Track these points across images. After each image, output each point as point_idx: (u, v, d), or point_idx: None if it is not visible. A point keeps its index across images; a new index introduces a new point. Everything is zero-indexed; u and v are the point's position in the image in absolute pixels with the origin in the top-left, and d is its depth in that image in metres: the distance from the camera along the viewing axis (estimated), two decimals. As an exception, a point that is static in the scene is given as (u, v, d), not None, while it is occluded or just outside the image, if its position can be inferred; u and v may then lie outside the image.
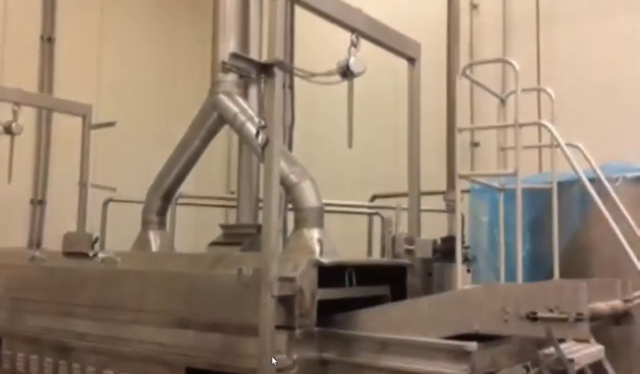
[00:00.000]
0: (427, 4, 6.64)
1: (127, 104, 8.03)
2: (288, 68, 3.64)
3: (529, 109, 5.49)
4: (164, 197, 5.10)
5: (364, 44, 3.73)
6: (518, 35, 6.38)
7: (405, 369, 2.91)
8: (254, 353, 3.06)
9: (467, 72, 3.77)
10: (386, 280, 3.86)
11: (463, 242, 4.26)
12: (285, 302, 3.13)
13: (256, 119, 4.24)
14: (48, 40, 7.55)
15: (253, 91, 4.97)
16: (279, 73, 3.22)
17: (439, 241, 4.06)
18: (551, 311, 2.61)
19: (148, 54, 8.65)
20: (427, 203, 4.82)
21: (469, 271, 4.64)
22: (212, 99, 4.78)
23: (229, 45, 4.82)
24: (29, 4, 7.48)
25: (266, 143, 3.16)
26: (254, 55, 5.03)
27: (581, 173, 3.38)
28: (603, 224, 3.43)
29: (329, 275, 3.39)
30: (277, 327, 3.05)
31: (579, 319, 2.57)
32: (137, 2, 8.64)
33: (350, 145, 3.64)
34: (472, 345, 2.76)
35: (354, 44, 3.59)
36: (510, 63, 3.63)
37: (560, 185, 3.96)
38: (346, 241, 4.75)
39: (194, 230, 7.45)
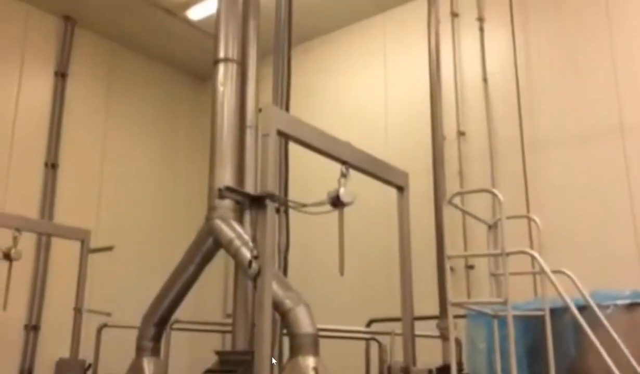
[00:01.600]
0: (415, 131, 6.91)
1: (125, 229, 8.17)
2: (279, 200, 3.77)
3: (520, 234, 5.60)
4: (158, 323, 5.07)
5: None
6: (505, 161, 6.55)
7: None
8: None
9: (456, 199, 3.87)
10: (382, 410, 3.78)
11: (461, 370, 4.20)
12: None
13: (250, 245, 4.33)
14: (52, 166, 7.79)
15: (249, 216, 5.08)
16: (270, 205, 3.33)
17: (435, 372, 4.00)
18: None
19: (148, 180, 8.90)
20: (423, 327, 4.79)
21: (469, 399, 4.53)
22: (208, 224, 4.88)
23: (225, 172, 4.99)
24: (36, 131, 7.79)
25: (258, 273, 3.22)
26: (250, 179, 5.22)
27: (569, 302, 3.40)
28: (597, 352, 3.40)
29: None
30: None
31: None
32: (140, 129, 8.99)
33: (342, 273, 3.69)
34: None
35: (343, 175, 3.73)
36: (493, 194, 3.75)
37: (553, 311, 3.95)
38: (344, 368, 4.68)
39: (189, 355, 7.33)
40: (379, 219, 6.81)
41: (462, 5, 7.28)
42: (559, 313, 3.98)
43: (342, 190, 3.66)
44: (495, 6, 7.05)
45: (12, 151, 7.48)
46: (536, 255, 3.57)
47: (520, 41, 6.78)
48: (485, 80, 6.90)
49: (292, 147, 5.00)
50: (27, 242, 6.83)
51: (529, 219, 4.57)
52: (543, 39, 6.67)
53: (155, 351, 5.05)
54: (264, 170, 3.40)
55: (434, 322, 4.96)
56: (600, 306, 3.78)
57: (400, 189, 4.39)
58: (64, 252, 7.18)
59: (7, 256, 5.95)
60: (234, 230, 4.76)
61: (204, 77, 9.59)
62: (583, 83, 6.32)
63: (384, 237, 6.53)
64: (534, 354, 4.26)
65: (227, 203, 4.87)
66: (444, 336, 4.26)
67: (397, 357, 4.22)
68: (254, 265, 3.26)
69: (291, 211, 5.13)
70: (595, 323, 3.56)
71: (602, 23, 6.32)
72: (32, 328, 7.15)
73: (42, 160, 7.77)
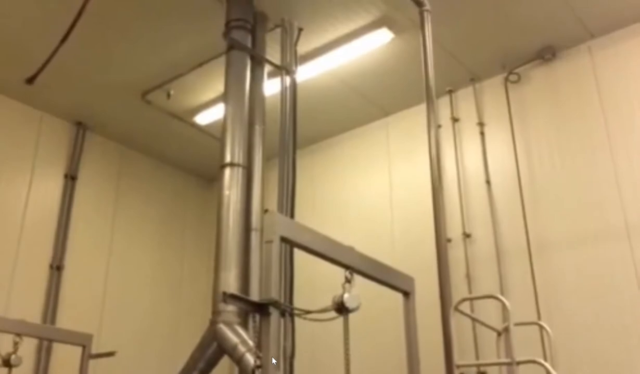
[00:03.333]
0: (420, 232, 6.91)
1: (128, 332, 8.05)
2: (283, 308, 3.72)
3: (531, 339, 5.46)
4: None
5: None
6: (513, 264, 6.47)
7: None
8: None
9: (463, 305, 3.81)
10: None
11: None
12: None
13: (254, 351, 4.25)
14: (57, 268, 7.78)
15: (252, 322, 5.02)
16: (274, 312, 3.29)
17: None
18: None
19: (153, 283, 8.85)
20: None
21: None
22: (212, 328, 4.81)
23: (230, 275, 4.98)
24: (43, 233, 7.83)
25: (262, 383, 3.13)
26: (255, 282, 5.19)
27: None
28: None
29: None
30: None
31: None
32: (146, 231, 9.03)
33: (348, 380, 3.57)
34: None
35: (348, 280, 3.69)
36: (499, 300, 3.70)
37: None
38: None
39: None
40: (386, 322, 6.69)
41: (463, 111, 7.48)
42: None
43: (346, 296, 3.60)
44: (494, 110, 7.24)
45: (19, 252, 7.50)
46: (547, 365, 3.47)
47: (520, 143, 6.91)
48: (488, 182, 6.97)
49: (297, 251, 5.01)
50: (28, 347, 6.72)
51: (538, 325, 4.47)
52: (543, 139, 6.78)
53: None
54: (268, 277, 3.38)
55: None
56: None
57: (406, 294, 4.34)
58: (65, 356, 7.05)
59: (7, 363, 5.83)
60: (238, 335, 4.69)
61: (211, 178, 9.75)
62: (584, 182, 6.37)
63: (391, 341, 6.39)
64: None
65: (231, 308, 4.83)
66: None
67: None
68: (257, 374, 3.18)
69: (297, 318, 5.06)
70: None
71: (599, 119, 6.46)
72: None
73: (47, 262, 7.76)
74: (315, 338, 6.42)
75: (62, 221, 8.01)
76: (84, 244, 8.19)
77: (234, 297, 3.50)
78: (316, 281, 5.44)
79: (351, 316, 3.69)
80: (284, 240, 3.58)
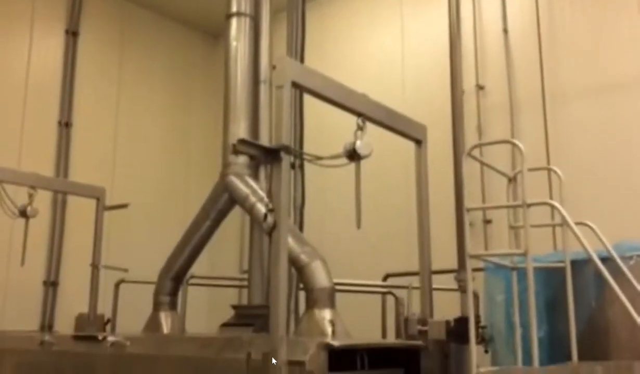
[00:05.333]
0: (433, 83, 6.78)
1: (141, 185, 8.18)
2: (294, 153, 3.70)
3: (540, 187, 5.51)
4: (175, 278, 5.11)
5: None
6: (526, 114, 6.45)
7: None
8: None
9: (475, 152, 3.78)
10: (400, 363, 3.77)
11: (478, 322, 4.17)
12: (295, 387, 3.06)
13: (266, 200, 4.31)
14: (65, 125, 7.77)
15: (264, 172, 5.05)
16: (285, 158, 3.27)
17: (453, 323, 3.97)
18: (567, 397, 2.53)
19: (162, 138, 8.88)
20: (440, 281, 4.77)
21: (486, 351, 4.52)
22: (223, 181, 4.86)
23: (240, 127, 4.95)
24: (48, 90, 7.76)
25: (274, 226, 3.18)
26: (264, 135, 5.17)
27: (592, 252, 3.33)
28: (619, 304, 3.35)
29: (341, 357, 3.32)
30: (287, 413, 2.98)
31: (596, 406, 2.49)
32: (152, 88, 8.93)
33: (358, 226, 3.63)
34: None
35: (360, 128, 3.64)
36: (515, 145, 3.65)
37: (574, 263, 3.90)
38: (360, 322, 4.69)
39: (206, 310, 7.41)
40: (396, 173, 6.73)
41: (484, -45, 7.06)
42: (579, 265, 3.92)
43: (358, 143, 3.57)
44: (517, -45, 6.83)
45: (26, 110, 7.47)
46: (558, 205, 3.50)
47: (542, -11, 6.58)
48: (505, 31, 6.74)
49: (308, 102, 4.94)
50: (43, 200, 6.86)
51: (551, 171, 4.47)
52: (566, -13, 6.47)
53: (172, 306, 5.10)
54: (279, 122, 3.34)
55: (451, 277, 4.93)
56: (622, 258, 3.72)
57: (418, 142, 4.31)
58: (80, 210, 7.22)
59: (24, 214, 5.99)
60: (249, 186, 4.74)
61: (216, 34, 9.45)
62: (607, 32, 6.16)
63: (401, 191, 6.47)
64: (553, 308, 4.23)
65: (241, 160, 4.85)
66: (461, 289, 4.22)
67: (414, 310, 4.20)
68: (269, 218, 3.22)
69: (306, 168, 5.09)
70: (617, 274, 3.50)
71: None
72: (51, 284, 7.24)
73: (55, 119, 7.76)
74: (324, 190, 6.51)
75: (66, 78, 7.90)
76: (90, 101, 8.13)
77: (245, 143, 3.48)
78: (326, 133, 5.39)
79: (362, 165, 3.69)
80: (295, 85, 3.49)
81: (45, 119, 7.67)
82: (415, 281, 4.46)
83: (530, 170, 3.59)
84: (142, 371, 3.89)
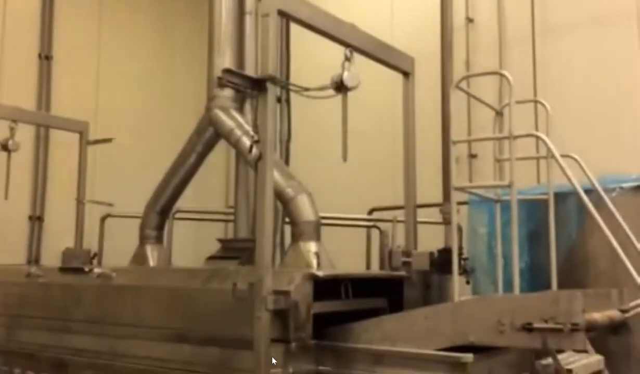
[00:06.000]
0: (422, 17, 6.67)
1: (125, 120, 8.07)
2: (280, 83, 3.65)
3: (526, 122, 5.52)
4: (161, 212, 5.11)
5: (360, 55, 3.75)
6: (514, 48, 6.40)
7: (401, 382, 2.89)
8: (250, 367, 3.04)
9: (463, 84, 3.76)
10: (384, 293, 3.85)
11: (461, 253, 4.25)
12: (280, 316, 3.11)
13: (251, 134, 4.28)
14: (46, 58, 7.59)
15: (250, 105, 5.00)
16: (271, 88, 3.23)
17: (436, 254, 4.04)
18: (546, 321, 2.60)
19: (146, 69, 8.70)
20: (425, 215, 4.82)
21: (468, 282, 4.62)
22: (208, 114, 4.80)
23: (224, 60, 4.85)
24: (27, 22, 7.54)
25: (259, 157, 3.16)
26: (250, 70, 5.07)
27: (576, 184, 3.37)
28: (600, 234, 3.41)
29: (325, 288, 3.37)
30: (273, 340, 3.04)
31: (574, 329, 2.56)
32: (135, 19, 8.70)
33: (345, 159, 3.63)
34: (468, 356, 2.73)
35: (347, 59, 3.59)
36: (503, 75, 3.63)
37: (557, 196, 3.95)
38: (345, 255, 4.75)
39: (192, 244, 7.45)
40: (383, 107, 6.70)
41: None
42: (563, 197, 3.98)
43: (346, 74, 3.53)
44: None
45: (4, 41, 7.26)
46: (544, 137, 3.51)
47: None
48: (496, -37, 6.61)
49: (295, 37, 4.85)
50: (26, 134, 6.76)
51: (538, 103, 4.46)
52: None
53: (159, 240, 5.12)
54: (264, 52, 3.28)
55: (434, 211, 4.99)
56: (606, 190, 3.76)
57: (406, 74, 4.27)
58: (63, 145, 7.13)
59: (5, 148, 5.92)
60: (234, 119, 4.69)
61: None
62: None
63: (387, 126, 6.46)
64: (535, 240, 4.31)
65: (227, 93, 4.77)
66: (446, 221, 4.27)
67: (399, 242, 4.26)
68: (255, 150, 3.20)
69: (292, 103, 5.03)
70: (600, 206, 3.56)
71: None
72: (37, 219, 7.22)
73: (35, 52, 7.56)
74: (311, 124, 6.46)
75: (45, 10, 7.66)
76: (71, 34, 7.90)
77: (230, 72, 3.40)
78: (314, 69, 5.32)
79: (349, 98, 3.65)
80: (281, 13, 3.42)
81: (24, 52, 7.47)
82: (400, 215, 4.51)
83: (518, 102, 3.58)
84: (128, 302, 3.94)
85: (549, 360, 3.05)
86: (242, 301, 3.19)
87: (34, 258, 7.05)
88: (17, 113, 6.08)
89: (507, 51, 6.42)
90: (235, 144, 4.64)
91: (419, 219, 4.39)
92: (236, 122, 4.66)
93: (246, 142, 4.39)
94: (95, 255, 6.21)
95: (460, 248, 4.13)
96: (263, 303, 3.00)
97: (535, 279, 4.31)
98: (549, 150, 3.51)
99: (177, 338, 3.59)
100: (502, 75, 3.76)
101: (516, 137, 3.32)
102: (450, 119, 4.01)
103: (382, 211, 6.09)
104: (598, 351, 3.61)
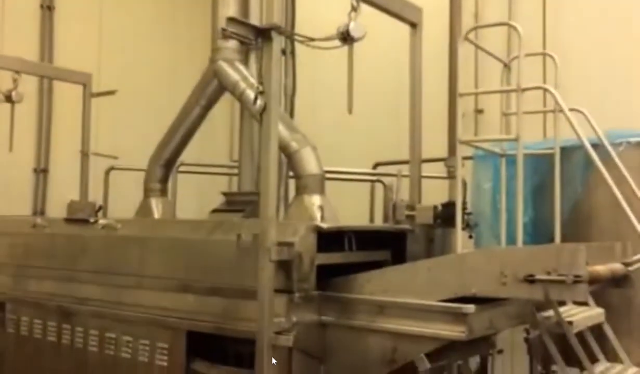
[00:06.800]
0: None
1: (129, 72, 7.97)
2: (286, 33, 3.60)
3: (534, 76, 5.45)
4: (165, 165, 5.11)
5: (367, 7, 3.68)
6: (524, 1, 6.26)
7: (402, 332, 2.92)
8: (254, 317, 3.07)
9: (471, 36, 3.69)
10: (387, 246, 3.86)
11: (465, 208, 4.25)
12: (284, 267, 3.14)
13: (256, 86, 4.23)
14: (48, 8, 7.48)
15: (254, 58, 4.93)
16: (276, 38, 3.18)
17: (440, 208, 4.04)
18: (549, 273, 2.60)
19: (150, 21, 8.56)
20: (429, 170, 4.81)
21: (471, 237, 4.63)
22: (212, 66, 4.75)
23: (229, 11, 4.77)
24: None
25: (264, 108, 3.14)
26: (254, 22, 4.99)
27: (583, 138, 3.34)
28: (605, 189, 3.41)
29: (329, 240, 3.38)
30: (277, 291, 3.06)
31: (577, 281, 2.56)
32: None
33: (350, 111, 3.60)
34: (470, 307, 2.76)
35: (354, 9, 3.52)
36: (513, 27, 3.56)
37: (563, 150, 3.92)
38: (349, 209, 4.76)
39: (197, 197, 7.45)
40: (389, 59, 6.60)
41: None
42: (569, 151, 3.95)
43: (352, 25, 3.47)
44: None
45: (3, -9, 7.14)
46: (553, 90, 3.46)
47: None
48: None
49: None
50: (29, 86, 6.72)
51: (547, 56, 4.39)
52: None
53: (163, 192, 5.13)
54: (270, 1, 3.22)
55: (439, 166, 4.97)
56: (612, 144, 3.73)
57: (414, 26, 4.19)
58: (67, 97, 7.08)
59: (9, 99, 5.89)
60: (238, 71, 4.64)
61: None
62: None
63: (393, 79, 6.36)
64: (540, 194, 4.30)
65: (231, 44, 4.70)
66: (450, 175, 4.26)
67: (403, 197, 4.25)
68: (259, 101, 3.17)
69: (298, 56, 4.97)
70: (606, 160, 3.53)
71: None
72: (42, 171, 7.22)
73: (37, 2, 7.44)
74: (315, 78, 6.39)
75: (46, -42, 7.52)
76: (72, -18, 7.77)
77: (234, 22, 3.34)
78: (319, 24, 5.25)
79: (355, 49, 3.60)
80: (286, -39, 3.36)
81: (26, 2, 7.36)
82: (404, 169, 4.49)
83: (527, 55, 3.52)
84: (133, 253, 3.97)
85: (550, 312, 3.08)
86: (246, 252, 3.21)
87: (39, 210, 7.07)
88: (19, 64, 6.03)
89: (517, 4, 6.28)
90: (240, 96, 4.60)
91: (423, 174, 4.38)
92: (241, 75, 4.61)
93: (251, 94, 4.35)
94: (100, 207, 6.24)
95: (464, 203, 4.13)
96: (267, 253, 3.02)
97: (539, 233, 4.32)
98: (557, 103, 3.47)
99: (182, 288, 3.63)
100: (511, 27, 3.68)
101: (524, 90, 3.28)
102: (457, 72, 3.95)
103: (386, 166, 6.07)
104: (598, 304, 3.65)
